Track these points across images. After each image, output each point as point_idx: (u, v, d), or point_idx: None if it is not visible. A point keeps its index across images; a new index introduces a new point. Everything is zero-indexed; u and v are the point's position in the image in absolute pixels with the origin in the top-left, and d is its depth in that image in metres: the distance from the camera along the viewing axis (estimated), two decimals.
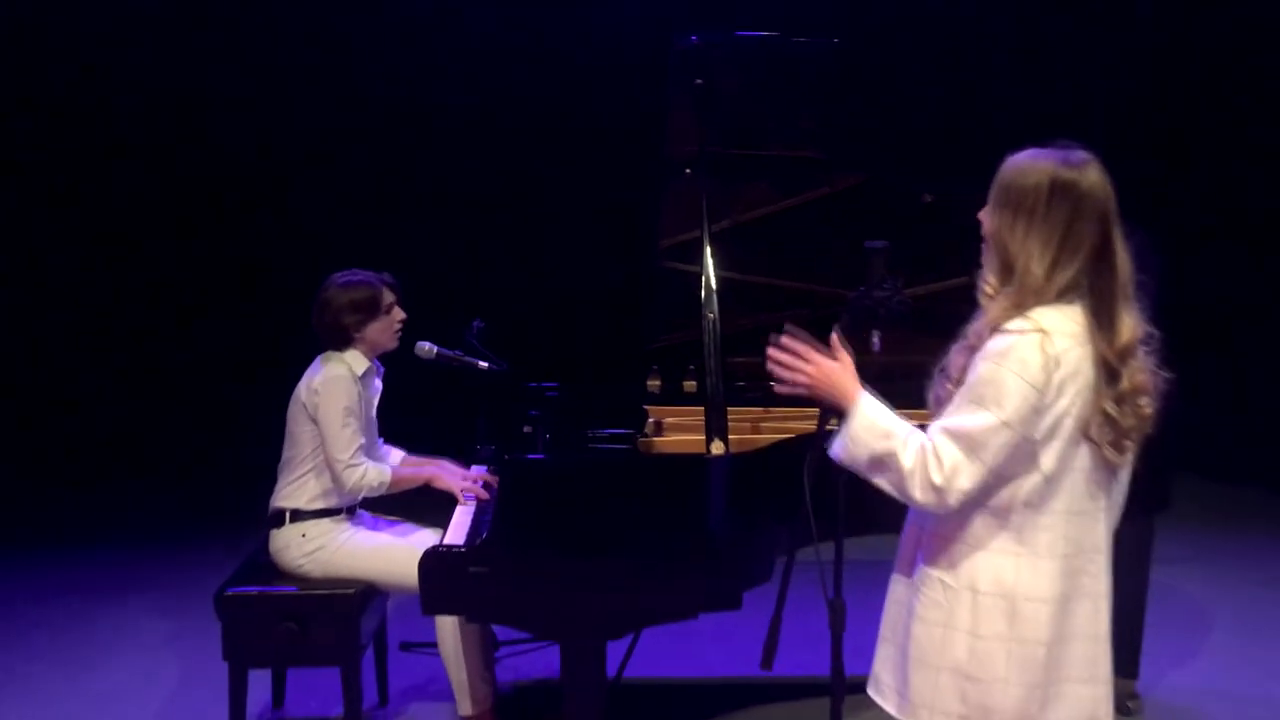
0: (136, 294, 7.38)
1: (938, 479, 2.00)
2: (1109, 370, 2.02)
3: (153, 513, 6.48)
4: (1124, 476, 2.14)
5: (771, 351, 2.18)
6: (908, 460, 2.04)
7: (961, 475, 2.00)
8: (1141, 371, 2.05)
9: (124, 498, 6.72)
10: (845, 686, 2.32)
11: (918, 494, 2.03)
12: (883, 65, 5.79)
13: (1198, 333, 6.68)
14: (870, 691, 2.25)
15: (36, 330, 7.35)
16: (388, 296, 3.61)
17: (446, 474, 3.64)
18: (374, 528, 3.65)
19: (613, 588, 2.91)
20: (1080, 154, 2.08)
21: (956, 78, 6.55)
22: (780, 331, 2.21)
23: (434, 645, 3.97)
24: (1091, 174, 2.06)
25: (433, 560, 2.96)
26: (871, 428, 2.09)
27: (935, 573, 2.11)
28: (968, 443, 1.99)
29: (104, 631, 4.70)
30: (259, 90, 7.12)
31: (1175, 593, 4.92)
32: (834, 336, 2.19)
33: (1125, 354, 2.03)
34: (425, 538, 3.58)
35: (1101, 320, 2.04)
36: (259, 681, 3.77)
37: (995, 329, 2.04)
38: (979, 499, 2.03)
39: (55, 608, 4.96)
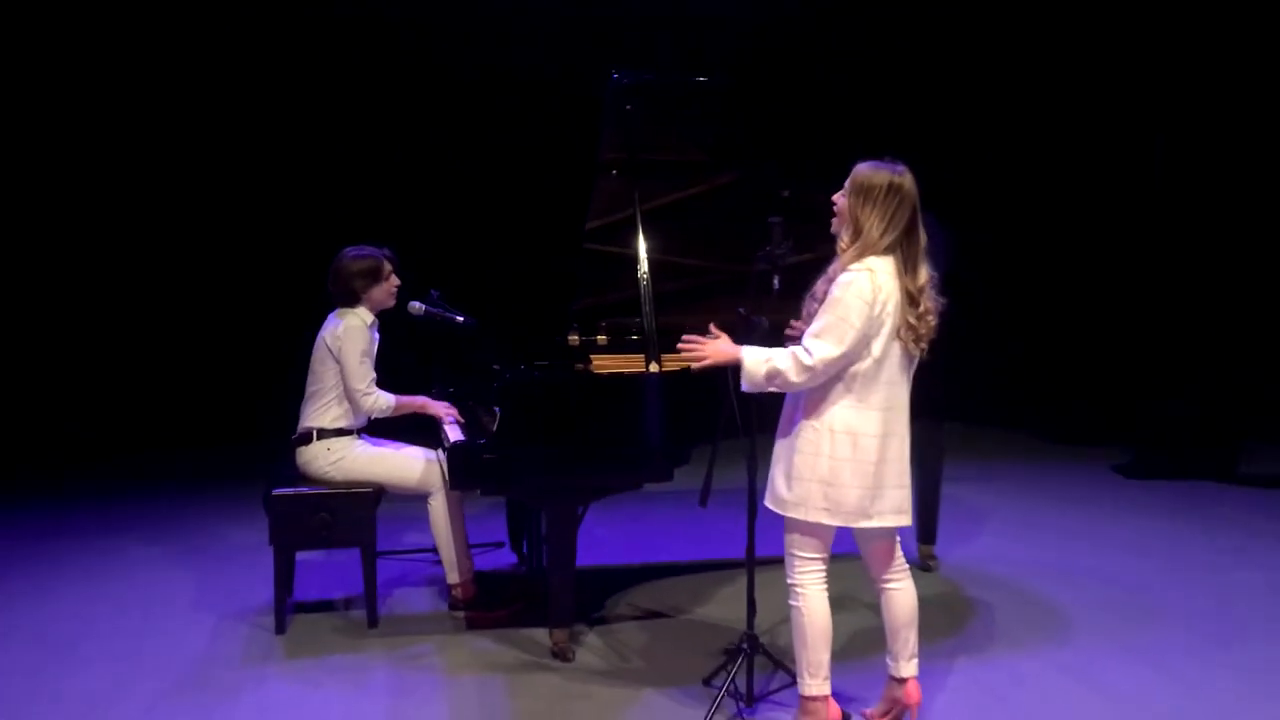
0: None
1: (808, 361, 3.24)
2: (911, 298, 3.32)
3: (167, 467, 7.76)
4: (915, 365, 3.44)
5: (680, 348, 3.45)
6: (783, 364, 3.28)
7: (821, 354, 3.22)
8: (930, 299, 3.36)
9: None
10: (757, 511, 3.59)
11: (796, 378, 3.28)
12: (755, 92, 7.24)
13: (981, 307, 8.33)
14: (766, 503, 3.45)
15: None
16: (387, 266, 4.67)
17: (433, 404, 4.74)
18: (376, 444, 4.71)
19: (583, 467, 4.07)
20: (901, 166, 3.39)
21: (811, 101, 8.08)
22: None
23: (406, 552, 5.12)
24: (908, 179, 3.37)
25: (459, 451, 4.06)
26: (754, 361, 3.33)
27: (809, 422, 3.34)
28: (827, 335, 3.23)
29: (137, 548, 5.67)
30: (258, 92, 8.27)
31: (966, 500, 6.44)
32: (711, 326, 3.48)
33: (921, 290, 3.35)
34: (415, 451, 4.67)
35: (908, 267, 3.34)
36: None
37: (844, 269, 3.33)
38: (837, 373, 3.30)
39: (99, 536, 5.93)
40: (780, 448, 3.45)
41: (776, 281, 3.58)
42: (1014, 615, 4.67)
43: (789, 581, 3.45)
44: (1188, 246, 7.30)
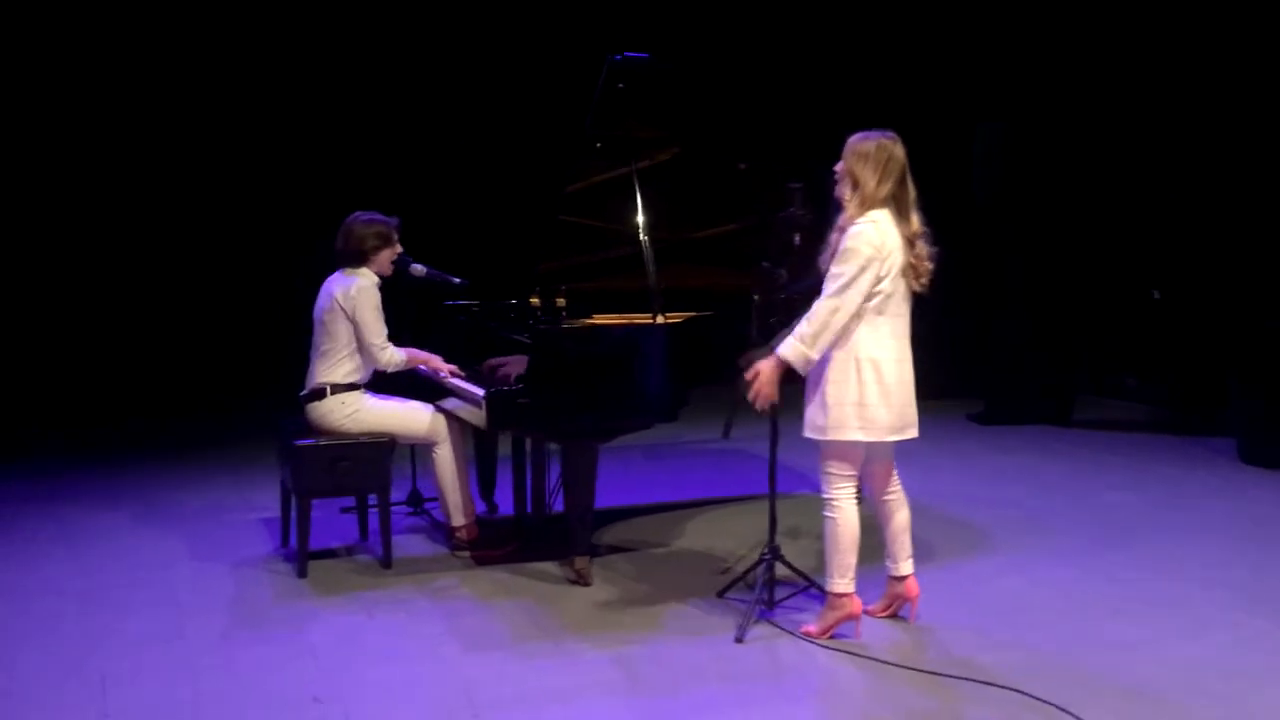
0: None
1: (835, 302, 3.79)
2: (910, 242, 3.94)
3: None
4: (911, 301, 4.05)
5: (749, 395, 3.95)
6: (815, 321, 3.80)
7: (842, 291, 3.79)
8: (925, 244, 3.97)
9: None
10: (779, 434, 4.16)
11: (831, 318, 3.81)
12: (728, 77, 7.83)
13: None
14: (806, 434, 4.01)
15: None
16: (394, 233, 4.96)
17: (434, 359, 5.05)
18: (382, 399, 4.99)
19: (603, 409, 4.52)
20: (890, 133, 3.98)
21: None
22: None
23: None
24: (897, 143, 3.96)
25: (496, 397, 4.42)
26: (793, 348, 3.83)
27: (837, 354, 3.90)
28: (843, 277, 3.80)
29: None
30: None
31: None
32: (748, 368, 3.97)
33: (915, 236, 3.95)
34: (418, 404, 4.99)
35: (903, 217, 3.94)
36: (270, 528, 5.06)
37: (851, 221, 3.92)
38: (858, 311, 3.87)
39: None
40: (812, 382, 4.01)
41: (798, 238, 4.14)
42: (935, 533, 5.40)
43: (825, 497, 4.03)
44: (1026, 220, 8.28)
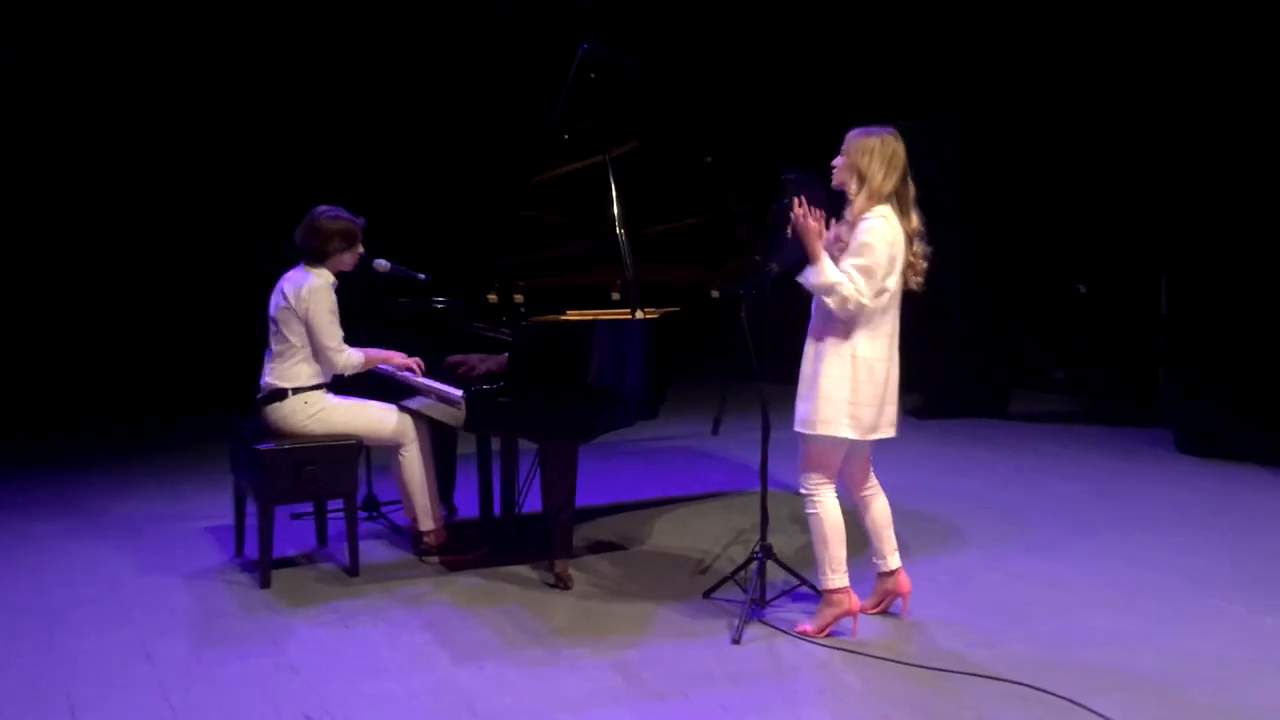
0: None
1: (863, 290, 3.74)
2: (909, 239, 3.92)
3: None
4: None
5: (798, 206, 3.84)
6: (844, 289, 3.74)
7: (867, 290, 3.75)
8: (922, 242, 3.96)
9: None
10: (770, 430, 4.08)
11: (852, 306, 3.75)
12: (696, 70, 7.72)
13: None
14: (796, 428, 3.97)
15: None
16: (359, 235, 4.74)
17: (397, 356, 4.85)
18: (346, 399, 4.77)
19: (583, 407, 4.39)
20: (891, 129, 3.96)
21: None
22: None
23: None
24: (898, 139, 3.93)
25: (476, 396, 4.25)
26: (828, 268, 3.78)
27: (833, 352, 3.85)
28: (866, 273, 3.76)
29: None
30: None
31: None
32: (819, 213, 3.87)
33: (915, 233, 3.94)
34: (382, 405, 4.79)
35: (904, 213, 3.92)
36: (219, 537, 4.83)
37: (861, 215, 3.87)
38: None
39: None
40: (806, 379, 3.94)
41: (790, 231, 4.06)
42: (905, 528, 5.23)
43: (805, 493, 3.97)
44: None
